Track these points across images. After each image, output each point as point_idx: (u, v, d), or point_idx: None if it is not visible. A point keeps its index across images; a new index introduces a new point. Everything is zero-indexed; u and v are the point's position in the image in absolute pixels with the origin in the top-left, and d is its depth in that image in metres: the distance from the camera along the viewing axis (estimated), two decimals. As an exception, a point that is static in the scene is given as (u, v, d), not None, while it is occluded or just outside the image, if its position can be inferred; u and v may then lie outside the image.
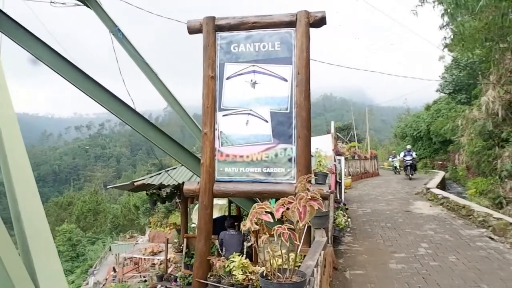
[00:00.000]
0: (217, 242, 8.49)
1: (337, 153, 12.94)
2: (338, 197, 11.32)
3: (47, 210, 51.77)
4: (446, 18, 12.37)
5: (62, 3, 7.63)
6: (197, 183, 4.99)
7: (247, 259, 8.75)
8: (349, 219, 8.78)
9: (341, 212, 7.97)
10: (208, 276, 4.96)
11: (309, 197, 1.89)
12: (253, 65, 5.02)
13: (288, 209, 2.11)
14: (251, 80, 5.01)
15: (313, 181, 5.00)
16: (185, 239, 8.14)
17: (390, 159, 27.91)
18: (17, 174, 2.60)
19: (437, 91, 24.19)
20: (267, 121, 4.95)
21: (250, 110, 5.00)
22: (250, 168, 4.97)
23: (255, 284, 4.59)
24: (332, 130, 13.11)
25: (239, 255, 4.97)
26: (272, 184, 4.87)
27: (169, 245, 8.95)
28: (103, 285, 28.92)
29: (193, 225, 14.08)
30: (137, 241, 32.17)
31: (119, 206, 49.15)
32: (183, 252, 7.93)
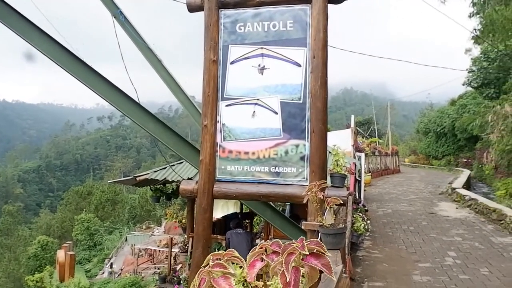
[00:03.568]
0: (224, 243, 7.92)
1: (357, 149, 12.15)
2: (357, 197, 10.58)
3: (67, 199, 52.63)
4: (475, 8, 11.49)
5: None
6: (195, 183, 4.39)
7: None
8: (368, 221, 8.06)
9: (360, 214, 7.24)
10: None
11: (307, 251, 1.16)
12: (262, 48, 4.34)
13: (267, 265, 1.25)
14: (259, 65, 4.34)
15: (328, 182, 4.31)
16: (190, 239, 7.58)
17: None
18: None
19: (463, 84, 23.04)
20: (276, 113, 4.28)
21: (257, 99, 4.33)
22: (256, 166, 4.31)
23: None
24: (352, 124, 12.30)
25: (240, 267, 4.32)
26: (281, 186, 4.21)
27: (176, 244, 8.43)
28: (119, 275, 29.03)
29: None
30: (153, 232, 32.21)
31: (137, 196, 49.41)
32: (188, 252, 7.38)
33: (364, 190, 13.76)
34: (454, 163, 28.34)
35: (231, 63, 4.42)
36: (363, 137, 28.60)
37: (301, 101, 4.22)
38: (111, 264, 29.66)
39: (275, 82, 4.30)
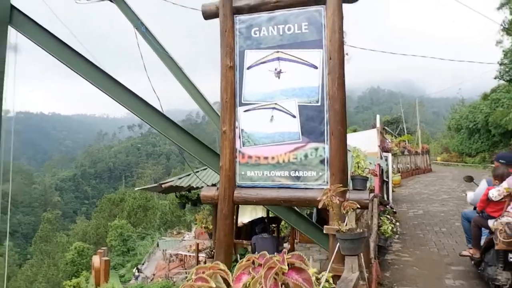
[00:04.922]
0: (250, 248, 7.92)
1: (384, 149, 11.87)
2: (385, 198, 10.31)
3: (101, 206, 54.17)
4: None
5: (87, 0, 7.35)
6: (216, 189, 4.40)
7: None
8: (397, 223, 7.84)
9: (388, 216, 7.04)
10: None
11: (286, 265, 1.12)
12: (278, 51, 4.31)
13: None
14: (276, 69, 4.31)
15: (350, 185, 4.23)
16: (233, 240, 7.60)
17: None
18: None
19: (495, 78, 22.17)
20: (294, 116, 4.23)
21: (275, 104, 4.31)
22: (276, 171, 4.28)
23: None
24: (378, 124, 12.03)
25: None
26: (302, 190, 4.16)
27: (202, 250, 8.48)
28: (151, 280, 29.59)
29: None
30: (183, 238, 32.65)
31: (167, 202, 50.31)
32: (214, 258, 7.40)
33: (393, 191, 13.41)
34: (489, 160, 27.22)
35: (248, 68, 4.42)
36: (392, 136, 27.92)
37: (319, 104, 4.16)
38: (138, 269, 30.34)
39: (292, 85, 4.26)
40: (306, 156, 4.20)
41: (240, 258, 7.65)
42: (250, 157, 4.37)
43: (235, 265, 5.84)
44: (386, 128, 31.90)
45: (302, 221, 6.03)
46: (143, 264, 33.65)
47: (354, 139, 10.95)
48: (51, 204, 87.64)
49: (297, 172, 4.22)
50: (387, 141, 19.79)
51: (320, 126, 4.15)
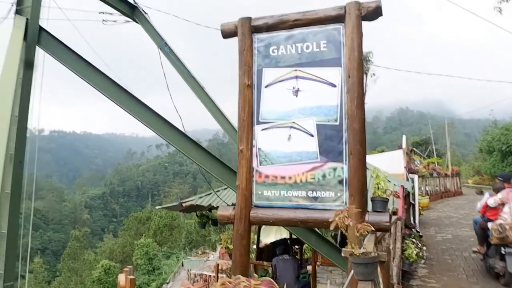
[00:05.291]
0: (270, 270, 7.74)
1: (410, 170, 11.50)
2: (412, 222, 9.92)
3: (127, 224, 54.90)
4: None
5: (113, 21, 7.61)
6: (232, 209, 4.33)
7: (305, 289, 7.89)
8: (424, 248, 7.49)
9: (413, 240, 6.74)
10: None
11: None
12: (296, 70, 4.28)
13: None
14: (293, 88, 4.27)
15: (370, 208, 4.07)
16: (249, 261, 7.47)
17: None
18: None
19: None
20: (312, 135, 4.15)
21: (293, 122, 4.25)
22: (293, 191, 4.18)
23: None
24: (404, 145, 11.70)
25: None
26: (319, 211, 4.03)
27: (223, 270, 8.36)
28: (175, 300, 29.45)
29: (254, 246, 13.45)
30: (208, 257, 32.51)
31: (193, 222, 50.48)
32: None
33: (421, 214, 12.90)
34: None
35: (266, 86, 4.40)
36: (420, 158, 27.15)
37: (337, 123, 4.07)
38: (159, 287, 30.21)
39: (310, 104, 4.20)
40: (324, 176, 4.09)
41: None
42: (267, 176, 4.30)
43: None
44: (414, 149, 31.12)
45: (323, 243, 5.87)
46: (167, 283, 33.67)
47: (379, 160, 10.70)
48: (81, 222, 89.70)
49: (314, 192, 4.11)
50: (416, 162, 19.25)
51: (339, 145, 4.05)
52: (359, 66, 4.01)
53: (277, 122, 4.31)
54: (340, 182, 4.02)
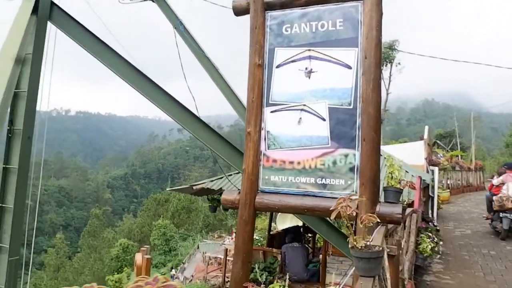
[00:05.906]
0: (280, 257, 7.62)
1: (431, 162, 11.08)
2: (430, 215, 9.58)
3: (147, 205, 55.91)
4: None
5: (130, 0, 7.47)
6: (237, 193, 4.18)
7: (313, 278, 7.75)
8: (440, 242, 7.18)
9: (429, 234, 6.45)
10: (244, 307, 4.09)
11: None
12: (309, 50, 4.04)
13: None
14: (306, 68, 4.04)
15: (382, 198, 3.84)
16: (252, 248, 7.37)
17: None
18: None
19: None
20: (324, 119, 3.93)
21: (304, 105, 4.03)
22: (302, 177, 3.99)
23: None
24: (426, 136, 11.25)
25: (280, 286, 3.99)
26: (328, 199, 3.82)
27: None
28: (190, 281, 29.97)
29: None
30: (224, 241, 32.83)
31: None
32: (232, 267, 7.17)
33: (440, 208, 12.47)
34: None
35: (277, 66, 4.18)
36: (444, 151, 26.30)
37: (351, 107, 3.83)
38: (171, 268, 30.79)
39: (323, 86, 3.96)
40: (334, 162, 3.87)
41: (268, 268, 7.33)
42: (275, 160, 4.11)
43: (263, 273, 5.56)
44: (438, 142, 30.24)
45: (333, 233, 5.68)
46: (184, 263, 34.29)
47: (398, 150, 10.33)
48: (103, 201, 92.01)
49: (324, 179, 3.90)
50: (439, 155, 18.64)
51: (352, 131, 3.81)
52: (377, 47, 3.73)
53: (288, 104, 4.10)
54: (351, 169, 3.80)
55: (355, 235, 2.45)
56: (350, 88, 3.83)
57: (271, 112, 4.16)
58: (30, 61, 4.99)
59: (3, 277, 5.07)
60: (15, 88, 5.01)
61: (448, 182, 19.46)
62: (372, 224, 2.34)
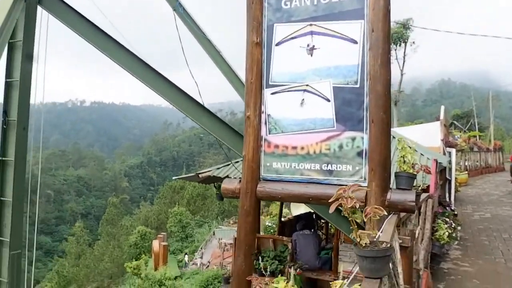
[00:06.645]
0: (290, 245, 7.41)
1: (448, 144, 10.62)
2: (447, 199, 9.19)
3: (162, 193, 56.48)
4: None
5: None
6: (238, 182, 3.93)
7: (325, 266, 7.52)
8: (458, 228, 6.84)
9: (447, 220, 6.11)
10: (247, 301, 3.88)
11: None
12: (311, 24, 3.70)
13: None
14: (308, 45, 3.71)
15: (394, 185, 3.54)
16: (255, 240, 7.17)
17: None
18: None
19: None
20: (328, 100, 3.62)
21: (307, 85, 3.72)
22: (306, 163, 3.71)
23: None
24: (442, 117, 10.76)
25: (285, 280, 3.75)
26: (334, 186, 3.52)
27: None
28: (207, 267, 30.28)
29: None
30: (239, 227, 32.80)
31: (226, 192, 50.92)
32: (233, 260, 7.00)
33: (458, 191, 12.03)
34: None
35: (277, 44, 3.86)
36: (461, 132, 25.53)
37: (357, 85, 3.50)
38: (185, 254, 31.14)
39: (327, 63, 3.63)
40: (340, 147, 3.57)
41: (278, 257, 7.12)
42: (276, 146, 3.83)
43: (273, 262, 5.28)
44: (455, 122, 29.44)
45: (344, 220, 5.39)
46: (200, 249, 34.64)
47: (413, 132, 9.91)
48: (120, 189, 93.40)
49: (329, 165, 3.61)
50: (456, 136, 18.05)
51: (359, 111, 3.50)
52: (385, 18, 3.38)
53: (289, 85, 3.79)
54: (359, 154, 3.50)
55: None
56: (356, 65, 3.50)
57: (272, 94, 3.86)
58: (20, 48, 4.78)
59: (5, 271, 4.98)
60: (7, 77, 4.83)
61: (466, 163, 18.89)
62: (378, 217, 2.05)
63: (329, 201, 2.05)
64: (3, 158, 4.91)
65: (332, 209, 2.03)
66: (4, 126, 4.92)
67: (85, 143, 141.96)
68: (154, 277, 16.62)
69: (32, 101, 5.18)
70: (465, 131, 27.28)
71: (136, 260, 30.18)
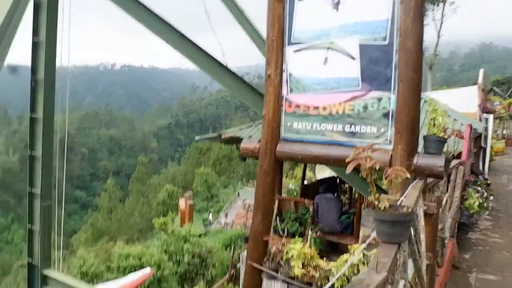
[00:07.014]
0: (312, 208, 7.35)
1: (485, 110, 10.08)
2: (481, 167, 8.82)
3: (189, 154, 57.56)
4: None
5: None
6: (257, 142, 3.87)
7: (346, 230, 7.48)
8: (490, 198, 6.58)
9: (478, 189, 5.87)
10: (264, 260, 3.92)
11: None
12: (338, -24, 3.46)
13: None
14: (334, -1, 3.48)
15: (421, 149, 3.37)
16: (276, 201, 7.18)
17: None
18: None
19: None
20: (354, 58, 3.43)
21: (331, 43, 3.52)
22: (328, 124, 3.59)
23: (320, 283, 3.38)
24: (480, 81, 10.14)
25: (302, 241, 3.74)
26: (357, 149, 3.41)
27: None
28: (231, 226, 31.16)
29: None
30: (264, 189, 33.21)
31: (251, 154, 51.29)
32: (274, 215, 7.02)
33: (493, 160, 11.55)
34: None
35: (300, -1, 3.65)
36: (502, 98, 24.20)
37: (386, 42, 3.28)
38: (208, 213, 31.98)
39: (354, 19, 3.41)
40: (365, 107, 3.42)
41: (299, 219, 7.14)
42: (298, 106, 3.71)
43: (296, 224, 5.20)
44: (494, 88, 27.93)
45: (367, 184, 5.30)
46: (225, 209, 35.54)
47: (448, 97, 9.42)
48: (149, 149, 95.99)
49: (353, 126, 3.48)
50: (495, 103, 17.16)
51: (387, 70, 3.30)
52: (420, -34, 3.10)
53: (312, 42, 3.61)
54: (385, 115, 3.34)
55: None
56: (386, 20, 3.27)
57: (294, 51, 3.70)
58: (45, 6, 4.74)
59: (37, 221, 5.21)
60: (34, 37, 4.85)
61: (504, 132, 18.05)
62: (400, 180, 1.94)
63: (347, 160, 1.94)
64: (33, 115, 5.02)
65: (349, 169, 1.93)
66: (33, 84, 5.00)
67: (116, 106, 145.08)
68: (179, 234, 17.23)
69: (65, 63, 5.24)
70: (505, 98, 25.85)
71: (163, 216, 31.30)
